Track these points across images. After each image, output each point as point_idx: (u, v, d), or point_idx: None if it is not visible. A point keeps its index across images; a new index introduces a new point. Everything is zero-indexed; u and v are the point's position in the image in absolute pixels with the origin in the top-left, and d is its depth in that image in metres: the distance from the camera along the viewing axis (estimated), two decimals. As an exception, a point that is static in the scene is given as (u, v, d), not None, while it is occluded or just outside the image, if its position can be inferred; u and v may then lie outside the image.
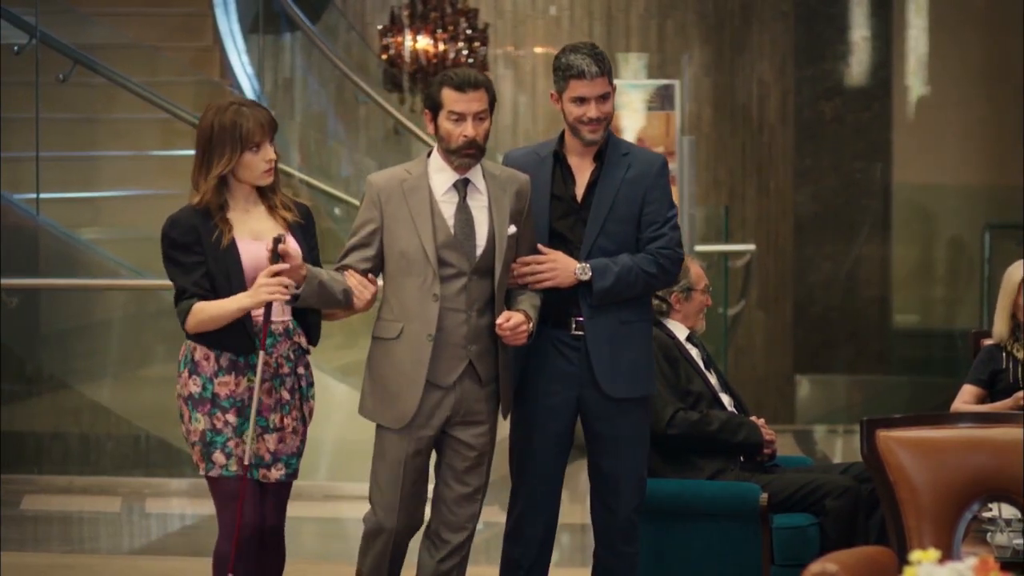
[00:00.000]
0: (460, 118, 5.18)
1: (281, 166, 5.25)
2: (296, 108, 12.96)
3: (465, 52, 12.25)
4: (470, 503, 5.31)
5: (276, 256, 5.00)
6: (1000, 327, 6.47)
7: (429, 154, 5.32)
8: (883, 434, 4.32)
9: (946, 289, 13.97)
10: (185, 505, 9.10)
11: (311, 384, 5.23)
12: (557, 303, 5.36)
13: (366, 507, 5.35)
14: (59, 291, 9.91)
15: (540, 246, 5.37)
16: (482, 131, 5.20)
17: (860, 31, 13.79)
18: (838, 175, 13.78)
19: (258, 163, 5.09)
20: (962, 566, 3.21)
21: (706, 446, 6.06)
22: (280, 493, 5.17)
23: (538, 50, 13.52)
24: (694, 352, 6.24)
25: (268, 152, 5.10)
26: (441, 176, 5.25)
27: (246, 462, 5.04)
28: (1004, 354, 6.47)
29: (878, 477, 4.32)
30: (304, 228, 5.21)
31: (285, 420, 5.13)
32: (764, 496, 5.89)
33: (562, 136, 5.49)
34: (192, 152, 5.14)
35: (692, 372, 6.17)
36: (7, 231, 9.52)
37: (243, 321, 5.02)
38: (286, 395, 5.13)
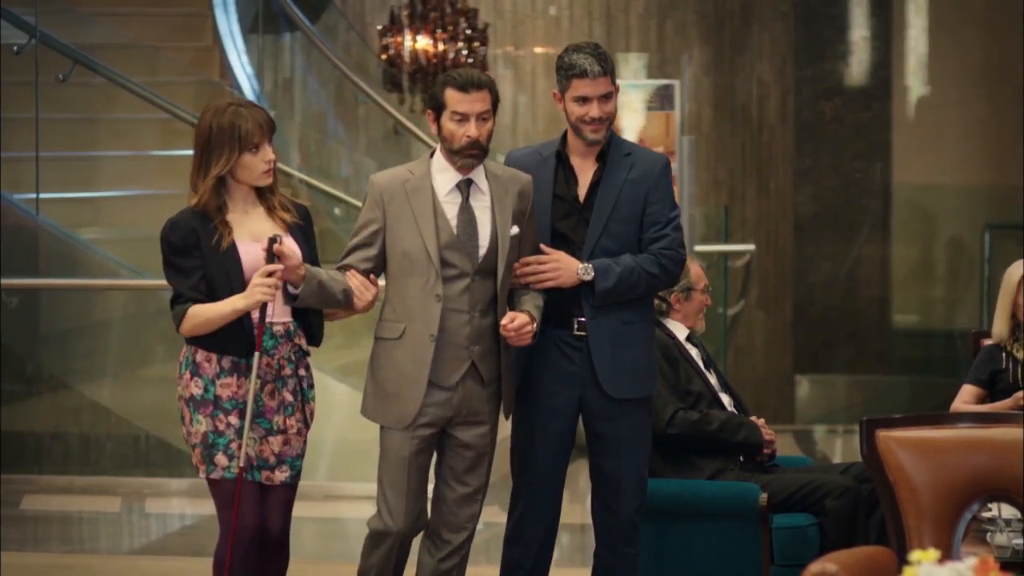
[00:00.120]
0: (463, 118, 5.17)
1: (281, 166, 5.26)
2: (296, 108, 12.96)
3: (465, 52, 12.25)
4: (471, 503, 5.31)
5: (272, 256, 5.00)
6: (1000, 327, 6.47)
7: (432, 154, 5.31)
8: (883, 434, 4.32)
9: (946, 289, 13.97)
10: (185, 505, 9.10)
11: (311, 386, 5.23)
12: (559, 303, 5.36)
13: (366, 507, 5.35)
14: (59, 291, 9.91)
15: (542, 246, 5.37)
16: (485, 131, 5.20)
17: (860, 31, 13.79)
18: (838, 175, 13.78)
19: (257, 164, 5.08)
20: (962, 566, 3.21)
21: (706, 446, 6.06)
22: (285, 495, 5.16)
23: (538, 50, 13.52)
24: (694, 352, 6.24)
25: (267, 153, 5.10)
26: (444, 176, 5.25)
27: (241, 463, 5.03)
28: (1004, 354, 6.47)
29: (878, 477, 4.32)
30: (303, 229, 5.21)
31: (288, 422, 5.13)
32: (764, 496, 5.89)
33: (565, 136, 5.48)
34: (192, 152, 5.14)
35: (692, 372, 6.17)
36: (7, 231, 9.52)
37: (243, 323, 5.02)
38: (288, 397, 5.13)
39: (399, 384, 5.21)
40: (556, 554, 5.62)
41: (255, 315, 5.03)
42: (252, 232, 5.09)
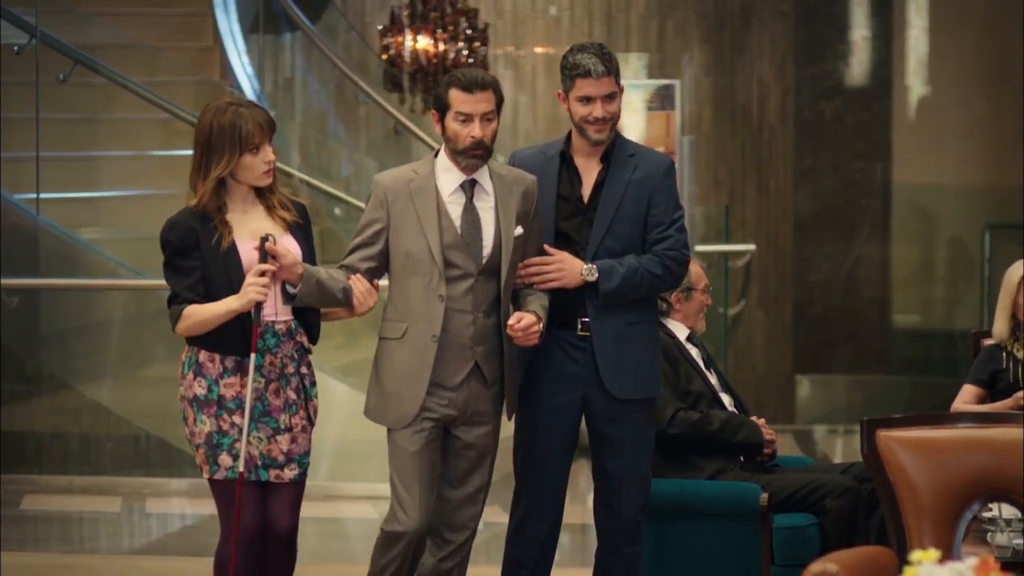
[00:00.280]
0: (467, 119, 5.17)
1: (281, 166, 5.26)
2: (296, 108, 12.96)
3: (465, 52, 12.24)
4: (472, 503, 5.31)
5: (264, 256, 5.00)
6: (1000, 327, 6.47)
7: (436, 154, 5.31)
8: (883, 434, 4.32)
9: (946, 289, 13.97)
10: (185, 505, 9.10)
11: (314, 383, 5.23)
12: (563, 304, 5.36)
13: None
14: (59, 291, 9.91)
15: (546, 247, 5.37)
16: (489, 132, 5.19)
17: (860, 31, 13.79)
18: (838, 175, 13.78)
19: (257, 164, 5.08)
20: (962, 566, 3.21)
21: (706, 446, 6.06)
22: (293, 493, 5.16)
23: (538, 50, 13.52)
24: (694, 352, 6.24)
25: (267, 153, 5.10)
26: (448, 176, 5.24)
27: (241, 469, 5.03)
28: (1004, 354, 6.46)
29: (878, 477, 4.32)
30: (303, 227, 5.21)
31: (293, 420, 5.13)
32: (764, 496, 5.89)
33: (569, 136, 5.48)
34: (192, 152, 5.14)
35: (692, 372, 6.17)
36: (7, 231, 9.52)
37: (245, 323, 5.02)
38: (292, 395, 5.13)
39: (400, 384, 5.21)
40: (557, 554, 5.62)
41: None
42: (252, 231, 5.09)
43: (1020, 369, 6.42)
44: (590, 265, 5.34)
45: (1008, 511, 5.29)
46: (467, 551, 5.36)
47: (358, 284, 5.18)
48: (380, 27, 12.54)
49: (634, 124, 10.15)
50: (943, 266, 13.95)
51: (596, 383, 5.38)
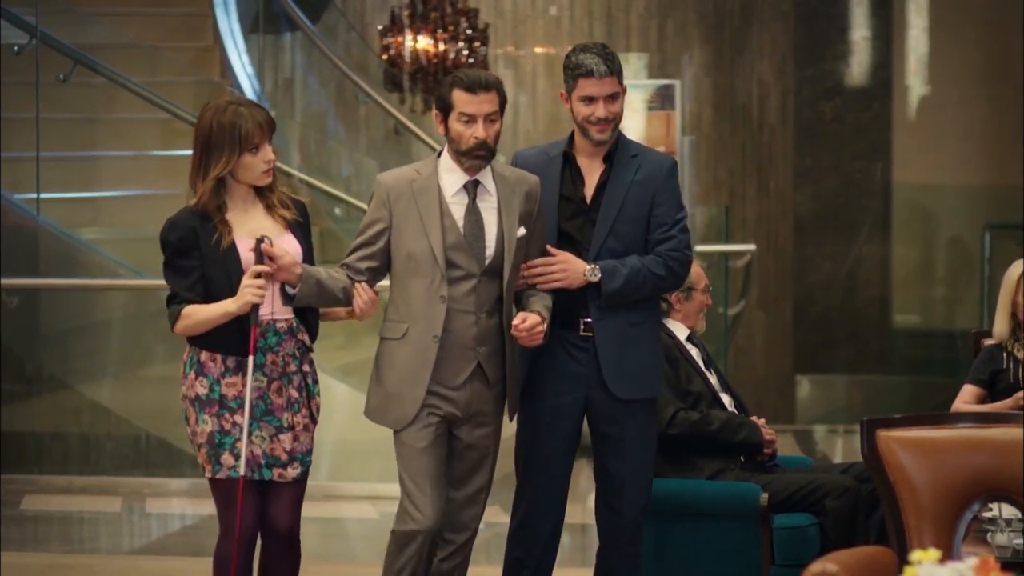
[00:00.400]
0: (471, 120, 5.16)
1: (281, 166, 5.26)
2: (296, 108, 12.96)
3: (465, 52, 12.24)
4: (474, 504, 5.31)
5: (260, 257, 5.00)
6: (1000, 326, 6.47)
7: (439, 154, 5.30)
8: (883, 434, 4.32)
9: (946, 289, 13.97)
10: (185, 505, 9.10)
11: (316, 381, 5.22)
12: (566, 304, 5.37)
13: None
14: (59, 291, 9.91)
15: (549, 247, 5.37)
16: (492, 133, 5.19)
17: (860, 31, 13.79)
18: (838, 175, 13.78)
19: (257, 164, 5.08)
20: (962, 566, 3.21)
21: (706, 446, 6.06)
22: (295, 492, 5.16)
23: (538, 50, 13.52)
24: (694, 352, 6.24)
25: (267, 153, 5.09)
26: (451, 177, 5.24)
27: (242, 472, 5.02)
28: (1004, 354, 6.46)
29: (878, 477, 4.32)
30: (302, 226, 5.21)
31: (295, 418, 5.13)
32: (764, 496, 5.89)
33: (572, 136, 5.48)
34: (192, 153, 5.14)
35: (692, 372, 6.17)
36: (7, 231, 9.52)
37: (244, 323, 5.02)
38: (294, 393, 5.13)
39: (400, 385, 5.20)
40: (557, 554, 5.62)
41: (261, 310, 5.03)
42: (252, 231, 5.09)
43: (1020, 369, 6.42)
44: (593, 266, 5.34)
45: (1008, 511, 5.29)
46: (468, 551, 5.36)
47: (362, 294, 5.18)
48: (380, 27, 12.54)
49: (634, 124, 10.15)
50: (943, 266, 13.95)
51: (599, 383, 5.39)
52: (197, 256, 5.04)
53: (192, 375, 5.08)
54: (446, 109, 5.20)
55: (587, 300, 5.37)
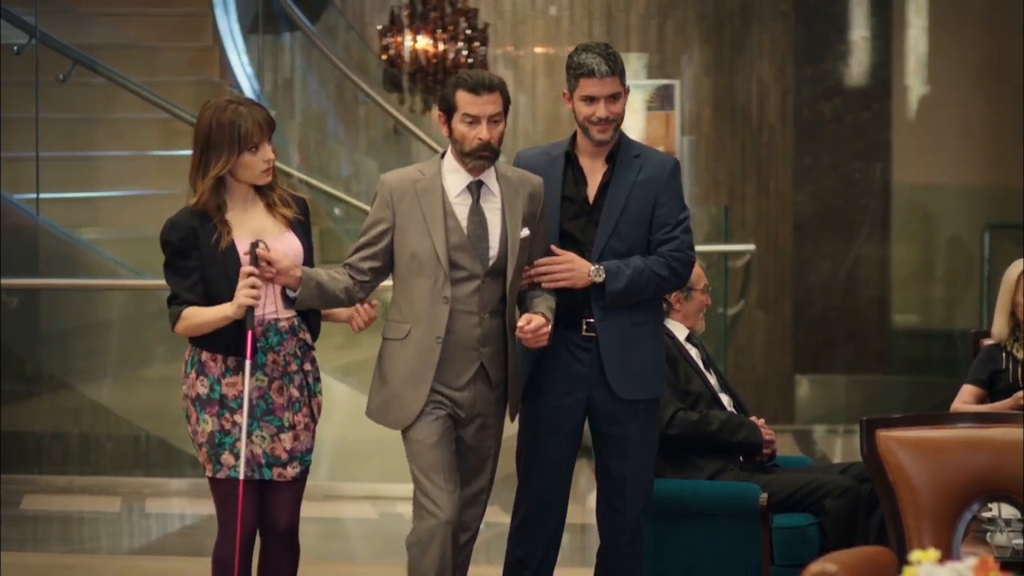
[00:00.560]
0: (474, 121, 5.16)
1: (280, 166, 5.25)
2: (296, 108, 12.96)
3: (465, 52, 12.24)
4: (475, 504, 5.31)
5: (254, 261, 4.99)
6: (999, 326, 6.47)
7: (443, 155, 5.30)
8: (883, 434, 4.32)
9: (946, 289, 13.97)
10: (185, 505, 9.10)
11: (318, 379, 5.23)
12: (568, 305, 5.37)
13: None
14: (59, 291, 9.91)
15: (553, 247, 5.37)
16: (496, 134, 5.19)
17: (860, 31, 13.79)
18: (838, 175, 13.78)
19: (256, 163, 5.08)
20: (962, 566, 3.21)
21: (706, 446, 6.06)
22: (294, 491, 5.17)
23: (538, 50, 13.52)
24: (694, 352, 6.24)
25: (266, 152, 5.09)
26: (455, 177, 5.24)
27: (241, 477, 5.02)
28: (1004, 354, 6.46)
29: (878, 477, 4.32)
30: (303, 224, 5.21)
31: (296, 418, 5.13)
32: (764, 496, 5.89)
33: (574, 137, 5.49)
34: (191, 153, 5.14)
35: (692, 372, 6.17)
36: (7, 231, 9.52)
37: (244, 324, 5.02)
38: (295, 392, 5.14)
39: (402, 385, 5.20)
40: (558, 554, 5.62)
41: (259, 312, 5.03)
42: (252, 230, 5.10)
43: (1019, 369, 6.42)
44: (598, 266, 5.34)
45: (1007, 511, 5.29)
46: (469, 552, 5.37)
47: (363, 314, 5.19)
48: (380, 27, 12.54)
49: (634, 124, 10.15)
50: (943, 266, 13.95)
51: (601, 384, 5.39)
52: (197, 256, 5.05)
53: (193, 375, 5.09)
54: (450, 110, 5.20)
55: (590, 300, 5.37)
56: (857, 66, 13.81)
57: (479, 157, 5.18)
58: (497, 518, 6.99)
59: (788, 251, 13.79)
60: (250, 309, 4.98)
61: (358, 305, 5.21)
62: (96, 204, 10.85)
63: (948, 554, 4.11)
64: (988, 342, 6.56)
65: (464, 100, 5.16)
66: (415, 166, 5.35)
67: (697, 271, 6.26)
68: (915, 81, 13.74)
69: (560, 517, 5.51)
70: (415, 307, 5.20)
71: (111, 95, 10.58)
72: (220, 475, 5.07)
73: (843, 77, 13.80)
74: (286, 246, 5.11)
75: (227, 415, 5.06)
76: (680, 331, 6.24)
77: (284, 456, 5.12)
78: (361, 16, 13.48)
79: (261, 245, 5.00)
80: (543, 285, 5.34)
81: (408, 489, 5.38)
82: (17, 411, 9.90)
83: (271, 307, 5.08)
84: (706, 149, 13.39)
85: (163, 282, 5.19)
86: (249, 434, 5.06)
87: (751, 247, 12.24)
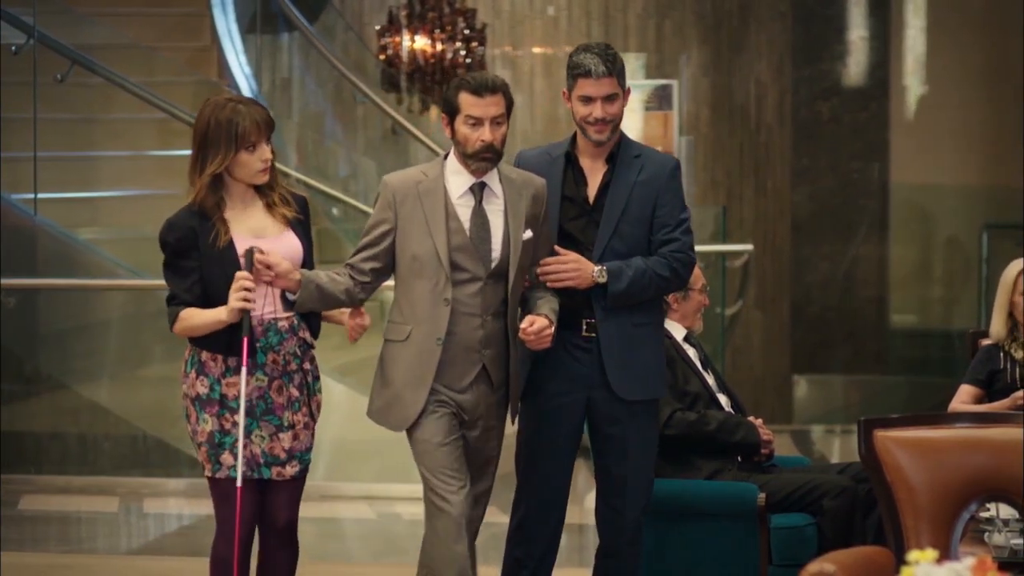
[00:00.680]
0: (477, 122, 5.16)
1: (279, 166, 5.25)
2: (294, 108, 12.96)
3: (463, 52, 12.24)
4: (476, 506, 5.31)
5: (250, 265, 4.99)
6: (997, 326, 6.47)
7: (446, 156, 5.30)
8: (880, 434, 4.32)
9: (944, 289, 13.97)
10: (183, 505, 9.10)
11: (317, 378, 5.23)
12: (568, 305, 5.37)
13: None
14: (57, 291, 9.91)
15: (557, 247, 5.37)
16: (499, 135, 5.19)
17: (858, 31, 13.79)
18: (835, 175, 13.78)
19: (254, 163, 5.08)
20: (960, 566, 3.21)
21: (704, 446, 6.06)
22: (293, 489, 5.18)
23: (536, 50, 13.51)
24: (691, 352, 6.24)
25: (264, 152, 5.09)
26: (457, 179, 5.24)
27: (239, 483, 5.02)
28: (1002, 354, 6.47)
29: (875, 477, 4.32)
30: (303, 223, 5.21)
31: (296, 417, 5.13)
32: (762, 496, 5.89)
33: (574, 137, 5.49)
34: (190, 152, 5.14)
35: (689, 372, 6.17)
36: (5, 231, 9.52)
37: (238, 328, 5.03)
38: (295, 392, 5.14)
39: (403, 387, 5.20)
40: (557, 554, 5.62)
41: (259, 312, 5.04)
42: (251, 229, 5.10)
43: (1018, 369, 6.42)
44: (600, 267, 5.34)
45: (1006, 511, 5.29)
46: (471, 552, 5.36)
47: (355, 328, 5.19)
48: (378, 27, 12.54)
49: (632, 124, 10.16)
50: (941, 266, 13.96)
51: (602, 384, 5.39)
52: (196, 256, 5.05)
53: (193, 374, 5.09)
54: (452, 112, 5.19)
55: (590, 301, 5.37)
56: (855, 66, 13.81)
57: (482, 159, 5.18)
58: (496, 518, 6.98)
59: (786, 251, 13.79)
60: (246, 314, 4.98)
61: (350, 321, 5.21)
62: (94, 204, 10.85)
63: (946, 554, 4.12)
64: (986, 342, 6.57)
65: (467, 102, 5.16)
66: (418, 167, 5.34)
67: (695, 271, 6.26)
68: (913, 81, 13.75)
69: (559, 517, 5.51)
70: (416, 309, 5.19)
71: (109, 95, 10.58)
72: (219, 475, 5.07)
73: (841, 77, 13.80)
74: (285, 246, 5.11)
75: (227, 415, 5.07)
76: (678, 331, 6.25)
77: (283, 455, 5.12)
78: (359, 16, 13.48)
79: (257, 250, 5.00)
80: (548, 284, 5.34)
81: (406, 489, 5.39)
82: (16, 411, 9.90)
83: (270, 307, 5.08)
84: (704, 149, 13.39)
85: (162, 282, 5.19)
86: (249, 433, 5.06)
87: (749, 247, 12.24)
